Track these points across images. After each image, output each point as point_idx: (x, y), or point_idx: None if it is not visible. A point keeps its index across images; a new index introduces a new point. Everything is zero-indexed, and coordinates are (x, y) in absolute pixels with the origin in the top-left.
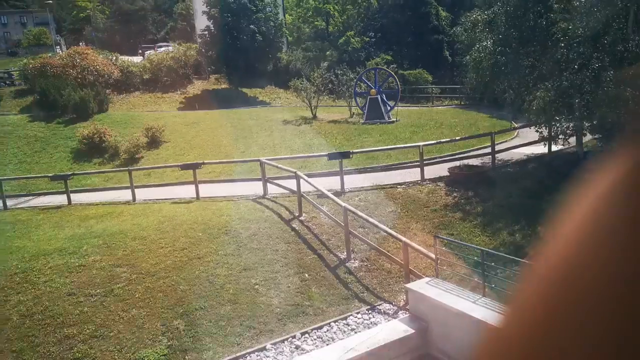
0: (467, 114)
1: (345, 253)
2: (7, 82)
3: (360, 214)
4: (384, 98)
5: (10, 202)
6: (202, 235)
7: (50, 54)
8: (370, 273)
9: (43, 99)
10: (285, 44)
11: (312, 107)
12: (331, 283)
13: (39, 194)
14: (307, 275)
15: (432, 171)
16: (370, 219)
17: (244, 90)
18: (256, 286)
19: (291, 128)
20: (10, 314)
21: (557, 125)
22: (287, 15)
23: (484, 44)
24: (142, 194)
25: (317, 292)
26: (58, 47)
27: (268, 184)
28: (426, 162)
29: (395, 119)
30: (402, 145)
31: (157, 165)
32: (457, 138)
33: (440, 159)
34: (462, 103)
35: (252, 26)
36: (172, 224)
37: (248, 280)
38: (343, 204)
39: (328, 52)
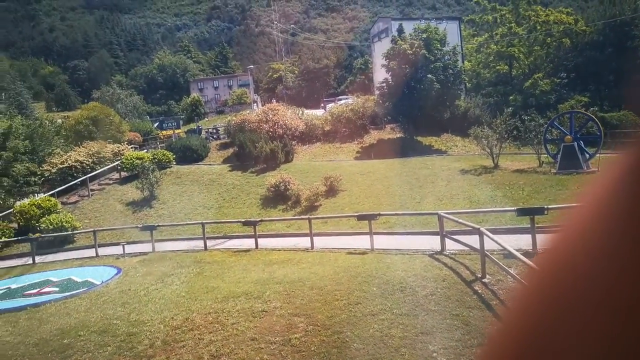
0: None
1: None
2: (214, 136)
3: None
4: (582, 145)
5: (209, 243)
6: (376, 291)
7: (248, 111)
8: None
9: (241, 151)
10: (463, 90)
11: (494, 156)
12: None
13: (233, 237)
14: None
15: None
16: None
17: (419, 139)
18: (434, 354)
19: (470, 178)
20: (202, 353)
21: None
22: (466, 62)
23: None
24: (319, 241)
25: None
26: (255, 104)
27: (446, 239)
28: None
29: (596, 169)
30: None
31: (335, 215)
32: None
33: None
34: None
35: (429, 75)
36: (348, 276)
37: (425, 346)
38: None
39: (511, 97)
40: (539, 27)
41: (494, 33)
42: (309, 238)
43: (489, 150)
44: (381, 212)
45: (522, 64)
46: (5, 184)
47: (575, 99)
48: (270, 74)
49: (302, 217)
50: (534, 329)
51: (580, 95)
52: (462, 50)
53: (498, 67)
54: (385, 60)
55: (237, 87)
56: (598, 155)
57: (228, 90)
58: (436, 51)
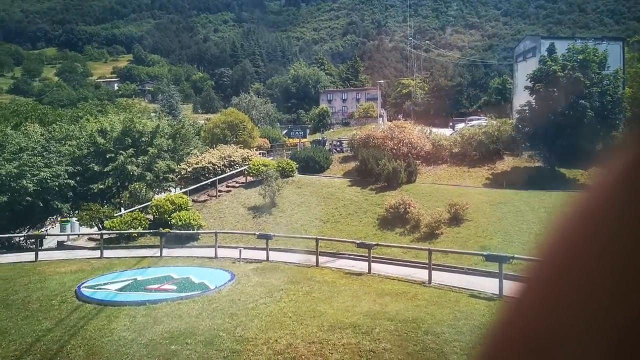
0: None
1: None
2: (338, 148)
3: None
4: None
5: (321, 259)
6: None
7: (373, 126)
8: None
9: (362, 166)
10: (622, 120)
11: None
12: None
13: (345, 256)
14: None
15: None
16: None
17: (562, 170)
18: None
19: None
20: None
21: None
22: (626, 88)
23: None
24: (438, 276)
25: None
26: (381, 118)
27: None
28: None
29: None
30: None
31: (459, 250)
32: None
33: None
34: None
35: (582, 101)
36: (470, 325)
37: None
38: None
39: None
40: None
41: None
42: (426, 270)
43: None
44: (515, 255)
45: None
46: (147, 178)
47: None
48: (399, 89)
49: (422, 247)
50: (534, 326)
51: None
52: (624, 74)
53: None
54: (531, 81)
55: (364, 100)
56: None
57: (356, 103)
58: (593, 75)
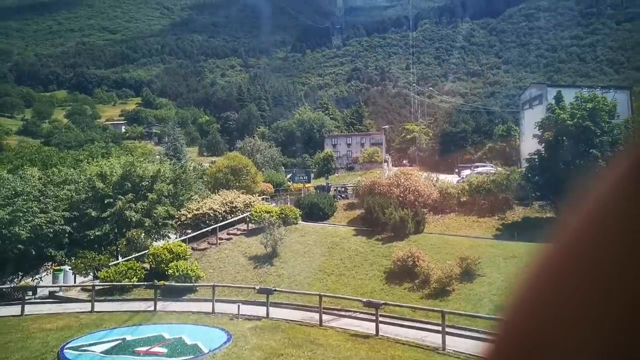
0: None
1: None
2: (343, 195)
3: None
4: None
5: (325, 317)
6: None
7: (378, 171)
8: None
9: (368, 215)
10: None
11: None
12: None
13: (350, 313)
14: None
15: None
16: None
17: None
18: None
19: None
20: None
21: None
22: (636, 137)
23: None
24: (452, 341)
25: None
26: (386, 163)
27: None
28: None
29: None
30: None
31: (475, 314)
32: None
33: None
34: None
35: (593, 151)
36: None
37: None
38: None
39: None
40: None
41: None
42: (439, 334)
43: None
44: None
45: None
46: (146, 224)
47: None
48: (403, 134)
49: (434, 308)
50: (536, 327)
51: None
52: (633, 123)
53: None
54: (539, 130)
55: (369, 145)
56: None
57: (360, 148)
58: (603, 124)
